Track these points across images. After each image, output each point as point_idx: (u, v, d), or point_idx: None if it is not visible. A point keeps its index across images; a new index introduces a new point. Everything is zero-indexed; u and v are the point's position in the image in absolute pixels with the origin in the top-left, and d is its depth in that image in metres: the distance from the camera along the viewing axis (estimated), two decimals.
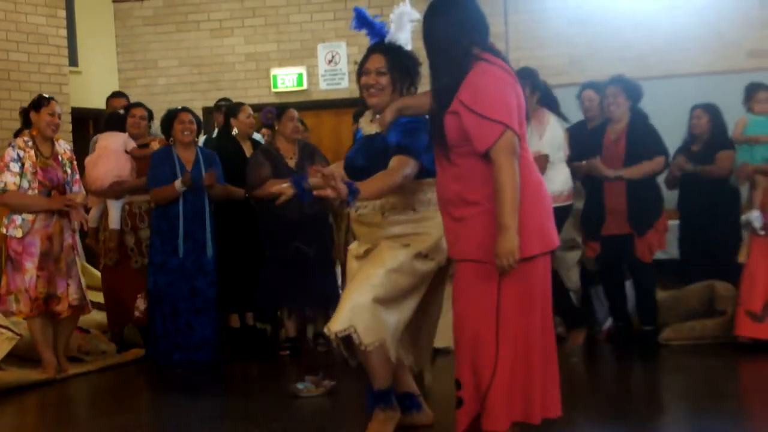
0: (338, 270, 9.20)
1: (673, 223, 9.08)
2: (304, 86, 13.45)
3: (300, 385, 6.89)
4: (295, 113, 8.92)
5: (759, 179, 8.24)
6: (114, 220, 9.06)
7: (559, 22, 12.66)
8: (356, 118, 9.73)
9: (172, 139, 8.70)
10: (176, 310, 8.50)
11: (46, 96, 8.22)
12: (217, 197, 8.72)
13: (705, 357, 7.93)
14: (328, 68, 13.41)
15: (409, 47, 5.44)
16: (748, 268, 8.16)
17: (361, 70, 5.39)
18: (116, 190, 8.98)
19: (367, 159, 5.41)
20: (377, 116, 5.33)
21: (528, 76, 8.00)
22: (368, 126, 5.54)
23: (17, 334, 8.07)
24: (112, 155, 9.09)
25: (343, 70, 13.33)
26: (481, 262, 4.56)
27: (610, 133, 8.40)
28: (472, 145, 4.47)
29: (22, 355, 8.19)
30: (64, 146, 8.26)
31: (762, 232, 8.11)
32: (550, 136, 8.31)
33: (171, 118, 8.70)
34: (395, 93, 5.31)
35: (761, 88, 8.60)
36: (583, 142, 8.68)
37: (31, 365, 8.05)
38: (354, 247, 5.64)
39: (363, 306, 5.16)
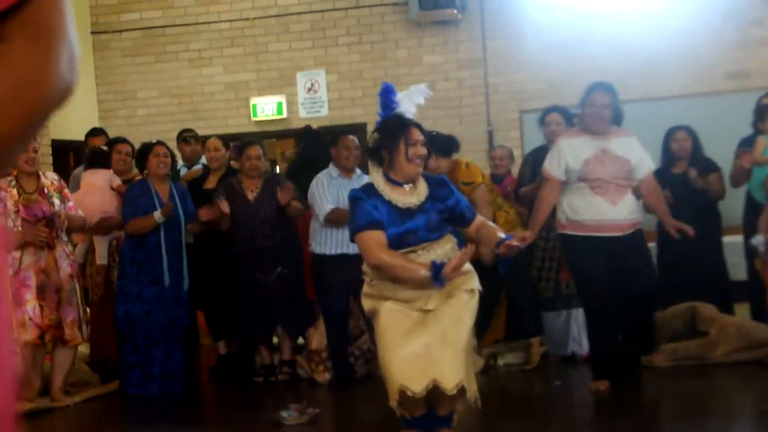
0: None
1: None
2: (284, 115, 13.47)
3: (284, 413, 6.88)
4: (255, 152, 8.93)
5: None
6: (101, 256, 9.10)
7: (537, 47, 12.72)
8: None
9: (146, 172, 8.75)
10: (153, 341, 8.55)
11: None
12: (196, 231, 8.87)
13: (688, 378, 7.93)
14: (308, 96, 13.44)
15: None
16: None
17: (408, 141, 5.58)
18: (104, 227, 8.98)
19: (440, 221, 5.68)
20: (405, 186, 5.66)
21: (611, 90, 7.61)
22: (404, 197, 5.66)
23: None
24: (97, 192, 9.10)
25: (323, 98, 13.37)
26: None
27: None
28: None
29: None
30: (51, 178, 8.31)
31: (765, 257, 8.11)
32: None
33: (146, 152, 8.76)
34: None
35: None
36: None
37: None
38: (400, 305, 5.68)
39: (464, 366, 5.54)
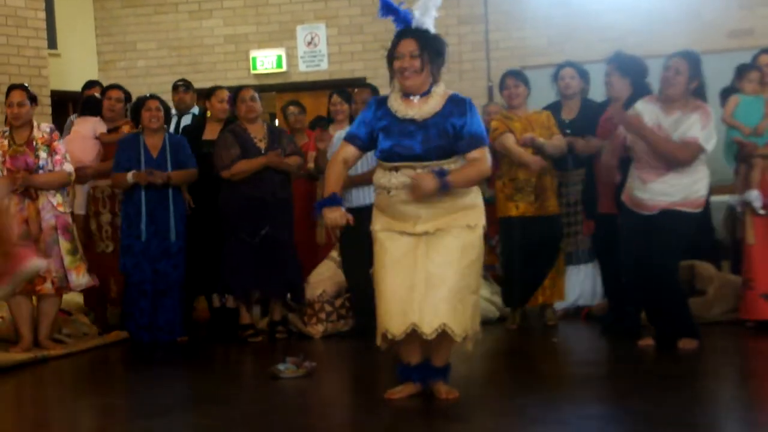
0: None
1: None
2: (284, 68, 13.44)
3: (281, 366, 6.87)
4: (249, 94, 8.78)
5: (756, 159, 8.15)
6: (78, 205, 9.11)
7: (538, 3, 12.68)
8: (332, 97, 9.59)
9: (141, 126, 8.76)
10: (142, 292, 8.69)
11: (11, 85, 8.26)
12: (177, 184, 8.78)
13: None
14: (308, 50, 13.40)
15: (433, 31, 5.72)
16: (759, 251, 8.08)
17: (393, 55, 5.61)
18: (78, 176, 8.89)
19: (440, 140, 5.62)
20: (413, 97, 5.65)
21: (689, 57, 7.28)
22: (406, 109, 5.66)
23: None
24: (79, 141, 9.15)
25: (323, 51, 13.32)
26: None
27: (608, 112, 7.91)
28: None
29: (3, 336, 8.21)
30: (44, 130, 8.28)
31: (762, 212, 8.04)
32: (710, 131, 7.16)
33: (139, 105, 8.82)
34: (428, 74, 5.63)
35: (752, 68, 8.51)
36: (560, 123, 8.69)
37: (12, 347, 8.05)
38: (393, 225, 5.71)
39: (449, 309, 5.56)
